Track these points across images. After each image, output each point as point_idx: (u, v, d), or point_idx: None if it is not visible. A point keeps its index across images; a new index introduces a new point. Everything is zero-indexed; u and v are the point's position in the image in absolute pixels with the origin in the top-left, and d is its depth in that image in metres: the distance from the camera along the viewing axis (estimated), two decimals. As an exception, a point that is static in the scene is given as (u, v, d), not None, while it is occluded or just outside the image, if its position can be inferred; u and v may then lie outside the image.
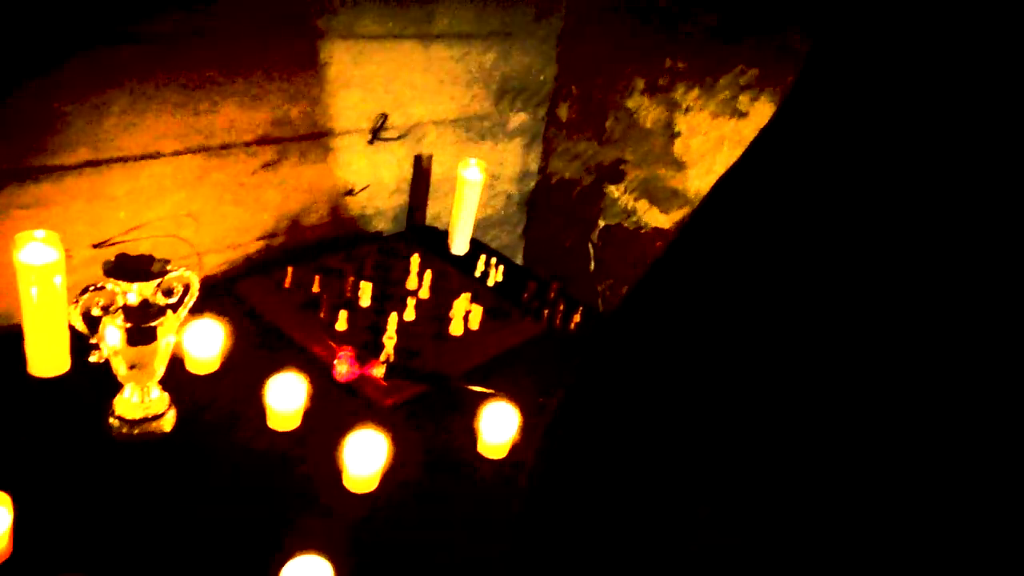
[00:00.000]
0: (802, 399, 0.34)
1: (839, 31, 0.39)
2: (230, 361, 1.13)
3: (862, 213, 0.34)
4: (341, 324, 1.24)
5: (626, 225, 1.82)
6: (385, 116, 1.50)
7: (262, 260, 1.42)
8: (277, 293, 1.30)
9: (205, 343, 1.11)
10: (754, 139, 0.42)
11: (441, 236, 1.62)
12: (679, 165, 1.69)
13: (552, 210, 1.97)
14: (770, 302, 0.36)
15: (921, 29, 0.35)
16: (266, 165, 1.35)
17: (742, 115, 1.58)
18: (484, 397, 1.13)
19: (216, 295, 1.25)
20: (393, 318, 1.22)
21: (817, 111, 0.38)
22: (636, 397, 0.40)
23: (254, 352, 1.17)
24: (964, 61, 0.33)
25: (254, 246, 1.41)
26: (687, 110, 1.65)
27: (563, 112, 1.87)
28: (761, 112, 1.55)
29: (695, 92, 1.63)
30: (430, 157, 1.62)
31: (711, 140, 1.63)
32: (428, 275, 1.39)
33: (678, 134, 1.68)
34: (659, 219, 1.76)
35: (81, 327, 0.92)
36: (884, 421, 0.33)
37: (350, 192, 1.52)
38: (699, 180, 1.67)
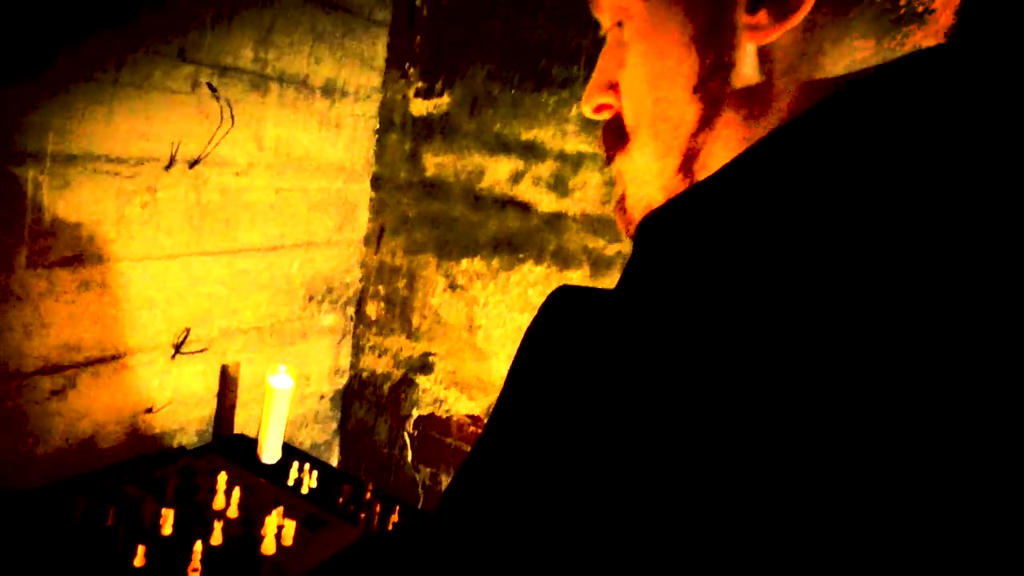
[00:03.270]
0: None
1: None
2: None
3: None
4: (139, 560, 1.16)
5: (439, 414, 1.88)
6: (188, 330, 1.50)
7: (48, 493, 1.31)
8: (63, 531, 1.20)
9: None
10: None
11: (251, 445, 1.59)
12: (483, 355, 1.81)
13: (365, 405, 2.00)
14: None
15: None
16: (55, 393, 1.29)
17: (534, 308, 1.75)
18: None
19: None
20: (198, 547, 1.17)
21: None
22: None
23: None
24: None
25: (37, 479, 1.31)
26: (485, 305, 1.80)
27: (371, 310, 1.95)
28: (550, 305, 1.73)
29: (491, 289, 1.79)
30: (237, 365, 1.62)
31: (510, 331, 1.78)
32: (237, 492, 1.35)
33: (480, 327, 1.81)
34: (469, 406, 1.84)
35: None
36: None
37: (149, 411, 1.47)
38: (502, 367, 1.80)
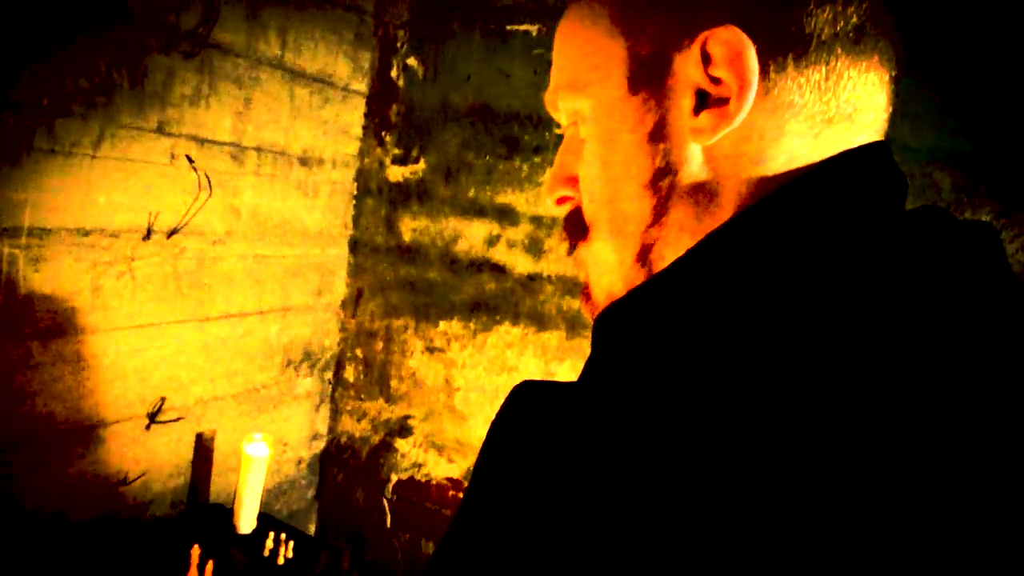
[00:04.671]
0: None
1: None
2: None
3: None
4: (108, 640, 1.13)
5: (418, 477, 1.87)
6: (163, 399, 1.49)
7: (17, 568, 1.28)
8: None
9: None
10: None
11: (227, 515, 1.57)
12: (462, 417, 1.81)
13: (344, 470, 1.98)
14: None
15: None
16: (26, 466, 1.27)
17: (511, 369, 1.76)
18: None
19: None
20: (169, 624, 1.14)
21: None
22: None
23: None
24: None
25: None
26: (463, 367, 1.81)
27: (349, 374, 1.95)
28: (527, 365, 1.74)
29: (469, 351, 1.80)
30: (213, 433, 1.61)
31: (488, 392, 1.78)
32: (210, 565, 1.33)
33: (458, 389, 1.81)
34: (448, 469, 1.83)
35: None
36: None
37: (123, 482, 1.45)
38: (481, 429, 1.80)
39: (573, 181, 0.51)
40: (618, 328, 0.44)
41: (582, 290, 0.54)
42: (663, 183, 0.44)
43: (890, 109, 0.46)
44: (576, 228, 0.51)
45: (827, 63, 0.42)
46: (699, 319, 0.39)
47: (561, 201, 0.53)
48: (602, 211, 0.48)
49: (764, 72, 0.41)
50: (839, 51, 0.42)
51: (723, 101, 0.42)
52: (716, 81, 0.42)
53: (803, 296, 0.37)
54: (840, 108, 0.43)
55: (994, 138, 1.32)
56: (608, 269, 0.49)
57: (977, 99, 1.32)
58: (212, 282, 1.56)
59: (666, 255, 0.45)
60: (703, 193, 0.44)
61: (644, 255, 0.46)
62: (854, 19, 0.42)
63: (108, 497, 1.43)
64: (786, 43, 0.41)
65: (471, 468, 1.24)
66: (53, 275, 1.26)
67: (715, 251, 0.42)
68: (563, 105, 0.50)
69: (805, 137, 0.42)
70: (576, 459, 0.36)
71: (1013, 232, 1.31)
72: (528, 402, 0.40)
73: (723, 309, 0.38)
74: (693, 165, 0.44)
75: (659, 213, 0.45)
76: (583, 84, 0.47)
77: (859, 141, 0.44)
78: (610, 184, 0.47)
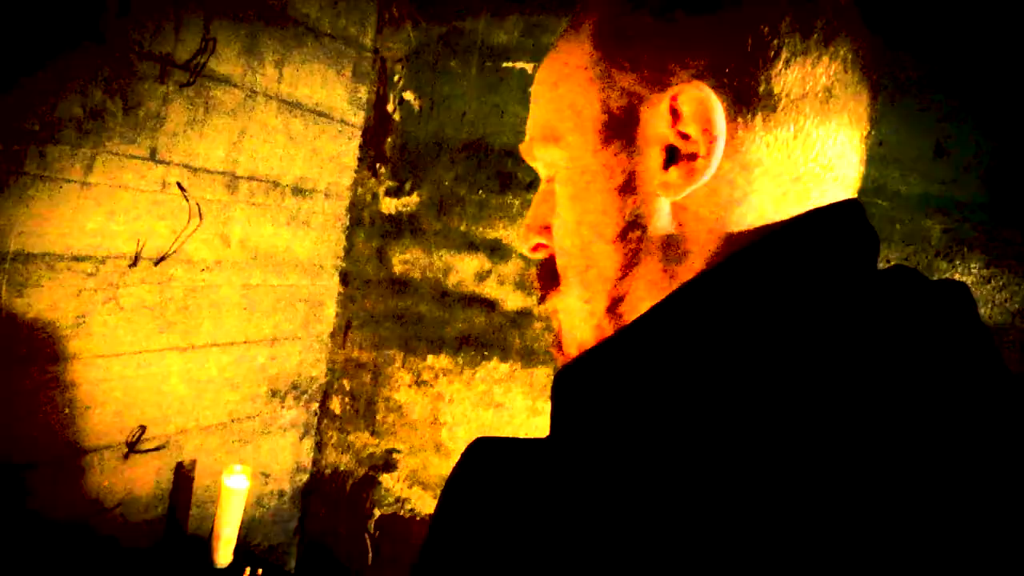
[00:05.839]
0: None
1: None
2: None
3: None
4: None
5: (402, 514, 1.84)
6: (143, 428, 1.47)
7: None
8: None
9: None
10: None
11: (204, 547, 1.54)
12: (448, 453, 1.79)
13: (327, 503, 1.95)
14: None
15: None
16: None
17: (499, 405, 1.74)
18: None
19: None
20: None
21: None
22: None
23: None
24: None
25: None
26: (451, 401, 1.79)
27: (335, 406, 1.93)
28: (515, 402, 1.72)
29: (456, 386, 1.78)
30: (193, 463, 1.58)
31: (475, 428, 1.76)
32: (183, 601, 1.30)
33: (444, 424, 1.79)
34: (433, 506, 1.80)
35: None
36: None
37: (99, 512, 1.42)
38: (467, 466, 1.77)
39: (548, 230, 0.50)
40: (578, 387, 0.43)
41: (553, 339, 0.53)
42: (632, 236, 0.44)
43: (862, 167, 0.46)
44: (548, 277, 0.51)
45: (796, 122, 0.42)
46: (662, 380, 0.38)
47: (535, 249, 0.52)
48: (573, 262, 0.48)
49: (732, 130, 0.42)
50: (808, 111, 0.42)
51: (692, 157, 0.42)
52: (685, 137, 0.42)
53: (767, 359, 0.36)
54: (809, 167, 0.43)
55: (985, 186, 1.32)
56: (579, 320, 0.49)
57: (968, 147, 1.33)
58: (199, 310, 1.55)
59: (639, 306, 0.45)
60: (672, 248, 0.44)
61: (614, 307, 0.46)
62: (823, 79, 0.42)
63: (84, 527, 1.40)
64: (754, 102, 0.41)
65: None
66: (36, 301, 1.25)
67: (679, 310, 0.41)
68: (539, 155, 0.50)
69: (774, 194, 0.42)
70: (541, 521, 0.36)
71: (1002, 281, 1.31)
72: (486, 461, 0.39)
73: (686, 371, 0.38)
74: (662, 219, 0.44)
75: (628, 266, 0.45)
76: (557, 136, 0.47)
77: (829, 199, 0.44)
78: (580, 236, 0.47)
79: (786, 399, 0.35)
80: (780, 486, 0.33)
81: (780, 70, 0.41)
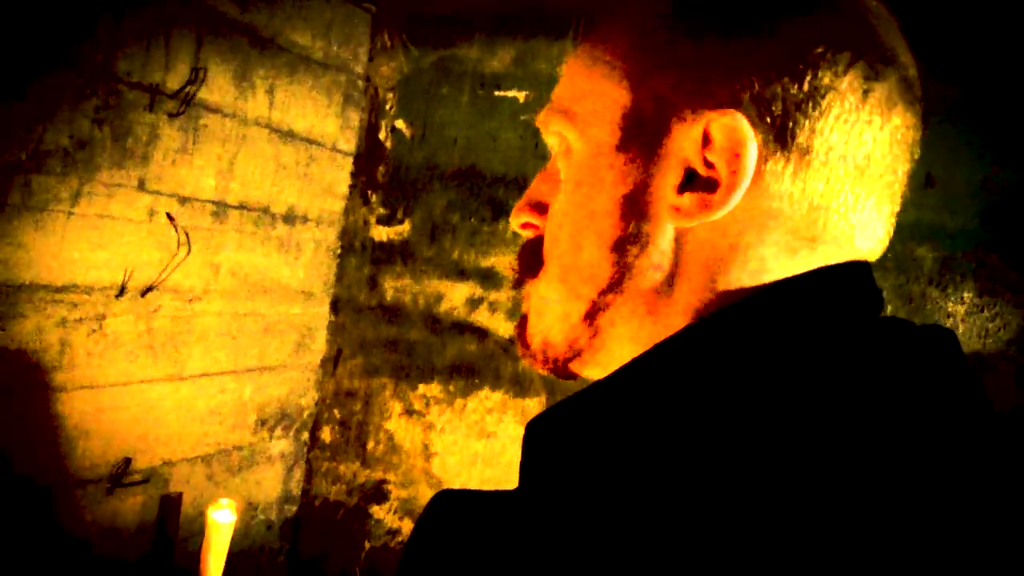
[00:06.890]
0: None
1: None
2: None
3: None
4: None
5: (392, 546, 1.81)
6: (128, 460, 1.45)
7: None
8: None
9: None
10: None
11: (189, 582, 1.51)
12: (439, 483, 1.76)
13: (316, 535, 1.91)
14: None
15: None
16: (-23, 530, 1.22)
17: (490, 435, 1.72)
18: None
19: None
20: None
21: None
22: None
23: None
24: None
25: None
26: (442, 431, 1.77)
27: (326, 435, 1.91)
28: (506, 431, 1.70)
29: (447, 415, 1.76)
30: (179, 496, 1.55)
31: (466, 458, 1.74)
32: (166, 640, 1.26)
33: (436, 454, 1.77)
34: (424, 537, 1.78)
35: None
36: None
37: (83, 545, 1.39)
38: (459, 496, 1.75)
39: (542, 209, 0.48)
40: (550, 441, 0.41)
41: (519, 323, 0.51)
42: (630, 250, 0.42)
43: (887, 242, 0.43)
44: (531, 260, 0.48)
45: (827, 180, 0.39)
46: (639, 442, 0.37)
47: (525, 226, 0.50)
48: (561, 256, 0.45)
49: (760, 172, 0.39)
50: (842, 173, 0.39)
51: (711, 188, 0.39)
52: (709, 165, 0.39)
53: (746, 430, 0.35)
54: (829, 230, 0.40)
55: (977, 215, 1.32)
56: (551, 317, 0.46)
57: (958, 176, 1.33)
58: (186, 340, 1.53)
59: (614, 330, 0.43)
60: (664, 280, 0.42)
61: (591, 318, 0.44)
62: (868, 146, 0.40)
63: (67, 561, 1.37)
64: (791, 148, 0.39)
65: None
66: (20, 331, 1.23)
67: (658, 370, 0.39)
68: (554, 128, 0.47)
69: (784, 251, 0.40)
70: (497, 571, 0.35)
71: (994, 311, 1.31)
72: (449, 517, 0.37)
73: (664, 435, 0.36)
74: (663, 243, 0.41)
75: (616, 281, 0.43)
76: (577, 116, 0.44)
77: (836, 259, 0.41)
78: (576, 233, 0.44)
79: (761, 471, 0.33)
80: (753, 557, 0.31)
81: (828, 123, 0.39)
